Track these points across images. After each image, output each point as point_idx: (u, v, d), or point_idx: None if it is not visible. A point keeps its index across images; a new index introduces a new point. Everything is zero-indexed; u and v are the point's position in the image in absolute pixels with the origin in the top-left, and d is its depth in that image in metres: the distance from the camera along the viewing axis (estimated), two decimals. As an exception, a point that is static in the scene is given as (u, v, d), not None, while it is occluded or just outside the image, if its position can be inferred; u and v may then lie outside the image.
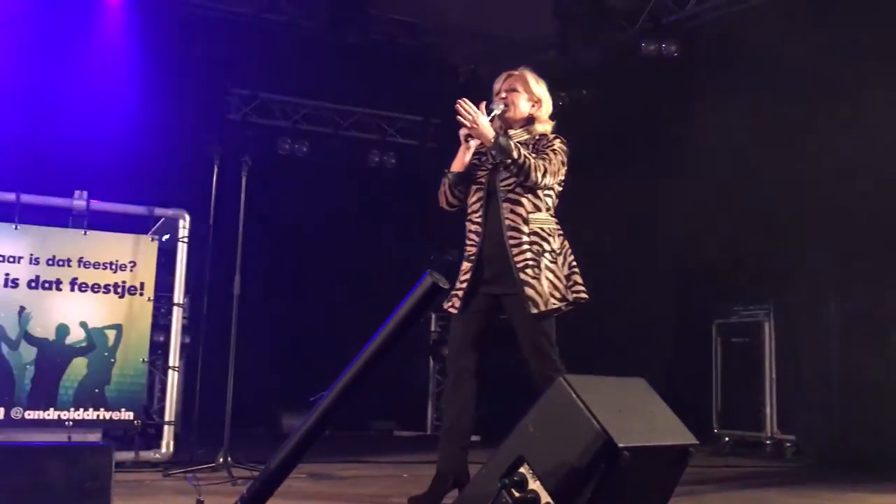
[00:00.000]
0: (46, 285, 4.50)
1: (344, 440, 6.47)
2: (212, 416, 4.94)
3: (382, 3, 7.23)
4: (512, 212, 3.45)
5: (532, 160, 3.40)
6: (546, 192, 3.50)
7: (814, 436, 5.74)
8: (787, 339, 6.04)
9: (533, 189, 3.45)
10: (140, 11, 6.67)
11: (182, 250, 4.87)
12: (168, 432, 4.74)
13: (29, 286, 4.46)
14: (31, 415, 4.37)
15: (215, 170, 4.87)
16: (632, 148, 7.15)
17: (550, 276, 3.43)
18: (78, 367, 4.51)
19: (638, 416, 2.46)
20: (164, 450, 4.71)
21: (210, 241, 4.93)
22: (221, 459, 4.35)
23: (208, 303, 5.29)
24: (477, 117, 3.41)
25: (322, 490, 4.07)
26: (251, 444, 5.20)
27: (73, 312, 4.53)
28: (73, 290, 4.54)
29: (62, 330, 4.50)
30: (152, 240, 4.78)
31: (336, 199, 8.16)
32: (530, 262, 3.40)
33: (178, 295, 4.87)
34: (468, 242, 3.57)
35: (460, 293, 3.53)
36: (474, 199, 3.57)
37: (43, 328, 4.47)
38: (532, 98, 3.64)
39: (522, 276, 3.39)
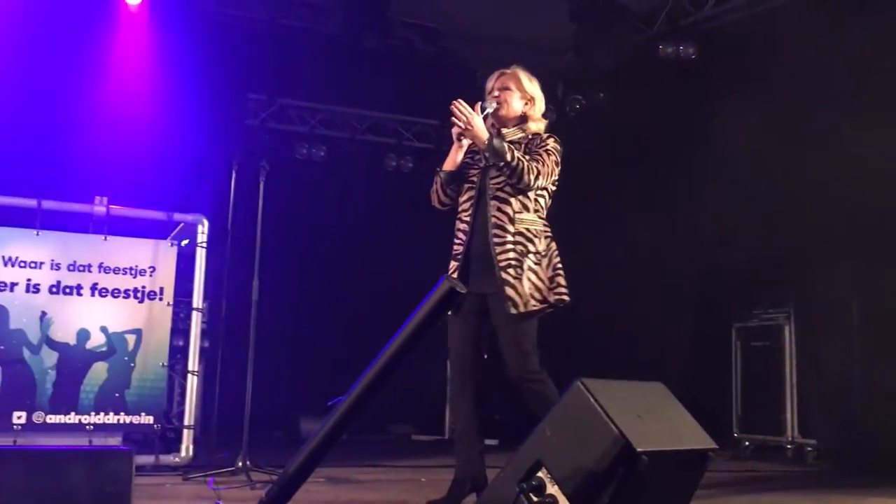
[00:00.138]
0: (67, 290, 4.54)
1: (362, 444, 6.49)
2: (231, 420, 4.97)
3: (400, 7, 7.25)
4: (499, 210, 3.44)
5: (525, 163, 3.38)
6: (538, 192, 3.49)
7: (835, 440, 5.69)
8: (807, 343, 5.99)
9: (521, 190, 3.43)
10: (158, 18, 6.72)
11: (201, 255, 4.90)
12: (187, 436, 4.77)
13: (50, 291, 4.51)
14: (52, 419, 4.41)
15: (233, 175, 4.90)
16: (649, 150, 7.12)
17: (533, 277, 3.41)
18: (98, 372, 4.55)
19: (656, 420, 2.45)
20: (183, 454, 4.73)
21: (228, 245, 4.96)
22: (240, 463, 4.37)
23: (227, 307, 5.32)
24: (471, 119, 3.40)
25: (340, 494, 4.08)
26: (270, 448, 5.22)
27: (93, 317, 4.57)
28: (93, 295, 4.58)
29: (83, 334, 4.54)
30: (171, 245, 4.81)
31: (353, 203, 8.18)
32: (513, 262, 3.39)
33: (197, 299, 4.90)
34: (456, 241, 3.57)
35: None
36: (465, 197, 3.56)
37: (64, 333, 4.51)
38: (525, 96, 3.62)
39: (504, 275, 3.38)
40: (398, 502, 3.95)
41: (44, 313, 4.48)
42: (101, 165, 6.28)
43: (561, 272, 3.49)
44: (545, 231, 3.52)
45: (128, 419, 4.57)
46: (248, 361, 4.61)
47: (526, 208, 3.46)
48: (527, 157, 3.41)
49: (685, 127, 6.86)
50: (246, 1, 7.01)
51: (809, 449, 5.83)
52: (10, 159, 6.15)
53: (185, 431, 4.77)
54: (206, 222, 4.93)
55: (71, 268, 4.56)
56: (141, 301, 4.68)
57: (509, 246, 3.41)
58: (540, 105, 3.66)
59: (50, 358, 4.46)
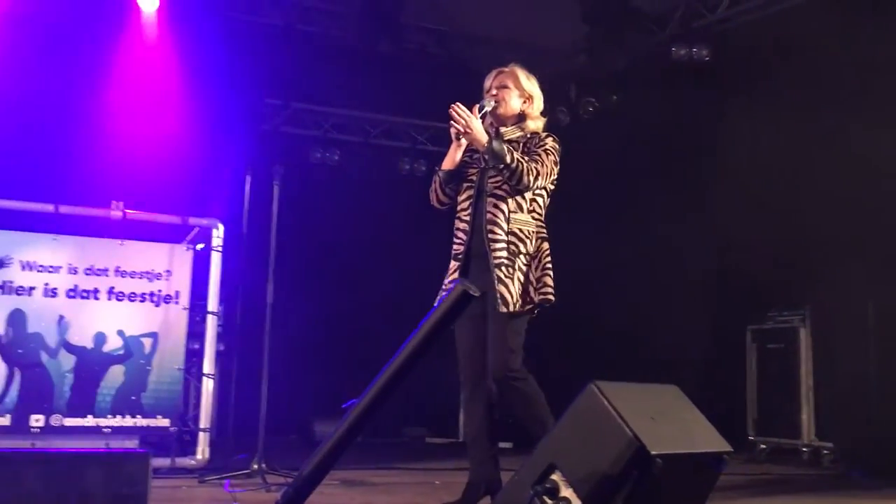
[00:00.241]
0: (84, 294, 4.59)
1: (376, 447, 6.50)
2: (246, 423, 5.00)
3: (413, 12, 7.27)
4: (495, 207, 3.44)
5: (525, 164, 3.37)
6: (535, 192, 3.48)
7: (852, 442, 5.65)
8: (823, 345, 5.95)
9: (518, 189, 3.42)
10: (174, 24, 6.77)
11: (216, 259, 4.93)
12: (203, 439, 4.80)
13: (67, 295, 4.55)
14: (69, 422, 4.46)
15: (248, 179, 4.93)
16: (663, 153, 7.10)
17: (522, 278, 3.41)
18: (115, 375, 4.59)
19: (671, 423, 2.45)
20: (199, 456, 4.76)
21: (243, 249, 4.98)
22: (256, 466, 4.39)
23: (242, 311, 5.35)
24: (470, 122, 3.39)
25: (354, 496, 4.09)
26: (284, 451, 5.24)
27: (110, 321, 4.62)
28: (110, 298, 4.63)
29: (100, 338, 4.59)
30: (187, 249, 4.85)
31: (367, 206, 8.20)
32: (505, 262, 3.39)
33: (213, 303, 4.93)
34: (456, 241, 3.56)
35: None
36: (464, 196, 3.56)
37: (81, 336, 4.55)
38: (523, 94, 3.61)
39: (498, 272, 3.38)
40: (412, 505, 3.95)
41: (61, 317, 4.52)
42: (117, 170, 6.34)
43: (549, 273, 3.48)
44: (538, 232, 3.51)
45: (144, 422, 4.60)
46: (262, 364, 4.63)
47: (520, 208, 3.46)
48: (526, 158, 3.40)
49: (699, 129, 6.84)
50: (260, 6, 7.05)
51: (826, 452, 5.80)
52: (29, 165, 6.22)
53: (201, 434, 4.80)
54: (220, 226, 4.96)
55: (88, 272, 4.60)
56: (157, 305, 4.72)
57: (502, 245, 3.41)
58: (538, 103, 3.65)
59: (67, 361, 4.51)
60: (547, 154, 3.47)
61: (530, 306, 3.42)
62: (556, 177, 3.54)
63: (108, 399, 4.55)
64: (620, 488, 2.22)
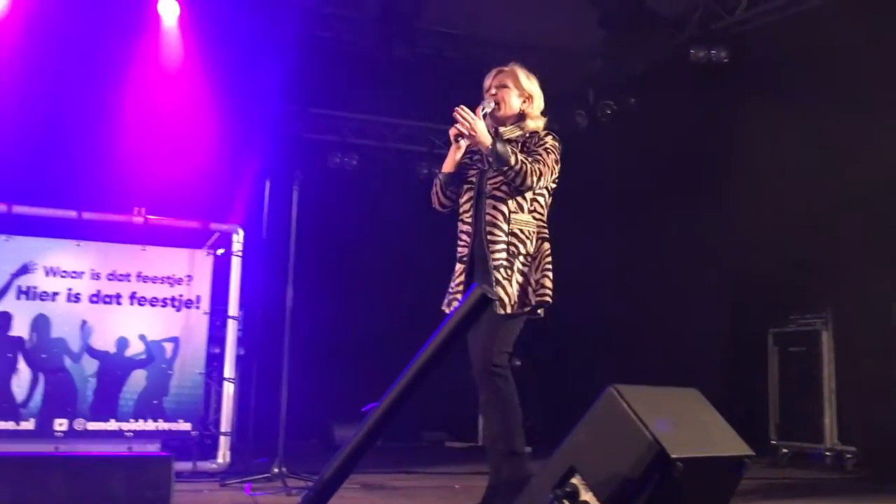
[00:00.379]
0: (107, 299, 4.63)
1: (396, 451, 6.51)
2: (266, 427, 5.02)
3: (429, 17, 7.29)
4: (494, 208, 3.42)
5: (528, 165, 3.35)
6: (536, 192, 3.45)
7: (875, 446, 5.59)
8: (845, 348, 5.89)
9: (519, 190, 3.40)
10: (193, 32, 6.83)
11: (236, 264, 4.96)
12: (224, 443, 4.83)
13: (90, 300, 4.60)
14: (92, 426, 4.50)
15: (267, 185, 4.96)
16: (682, 155, 7.07)
17: (521, 279, 3.38)
18: (137, 379, 4.63)
19: (691, 426, 2.44)
20: (220, 460, 4.79)
21: (263, 254, 5.01)
22: (276, 469, 4.41)
23: (262, 315, 5.38)
24: (475, 124, 3.38)
25: (374, 500, 4.10)
26: (304, 455, 5.26)
27: (132, 325, 4.66)
28: (132, 303, 4.67)
29: (122, 343, 4.63)
30: (207, 254, 4.89)
31: (386, 210, 8.22)
32: (504, 263, 3.37)
33: (233, 308, 4.96)
34: (460, 243, 3.55)
35: (459, 296, 3.51)
36: (465, 199, 3.55)
37: (104, 341, 4.60)
38: (523, 94, 3.58)
39: (496, 274, 3.36)
40: (432, 509, 3.96)
41: (84, 322, 4.57)
42: (139, 177, 6.40)
43: (549, 274, 3.44)
44: (539, 232, 3.48)
45: (166, 426, 4.64)
46: (282, 368, 4.66)
47: (521, 208, 3.43)
48: (529, 159, 3.38)
49: (718, 131, 6.80)
50: (278, 13, 7.10)
51: (849, 456, 5.74)
52: (52, 172, 6.30)
53: (222, 438, 4.83)
54: (240, 231, 4.99)
55: (110, 277, 4.65)
56: (178, 309, 4.76)
57: (501, 246, 3.39)
58: (538, 102, 3.62)
59: (90, 366, 4.55)
60: (547, 153, 3.45)
61: (528, 308, 3.39)
62: (557, 176, 3.51)
63: (131, 403, 4.59)
64: (641, 492, 2.22)
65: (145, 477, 2.97)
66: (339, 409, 7.03)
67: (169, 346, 4.72)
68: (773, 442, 6.19)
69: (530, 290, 3.39)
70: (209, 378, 5.00)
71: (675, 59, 6.82)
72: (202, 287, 4.81)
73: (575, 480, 2.30)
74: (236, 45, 6.95)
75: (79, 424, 4.47)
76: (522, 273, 3.39)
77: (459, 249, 3.55)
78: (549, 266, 3.46)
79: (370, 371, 7.05)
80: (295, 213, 4.75)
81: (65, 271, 4.57)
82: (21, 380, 4.42)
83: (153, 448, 4.56)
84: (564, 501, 2.28)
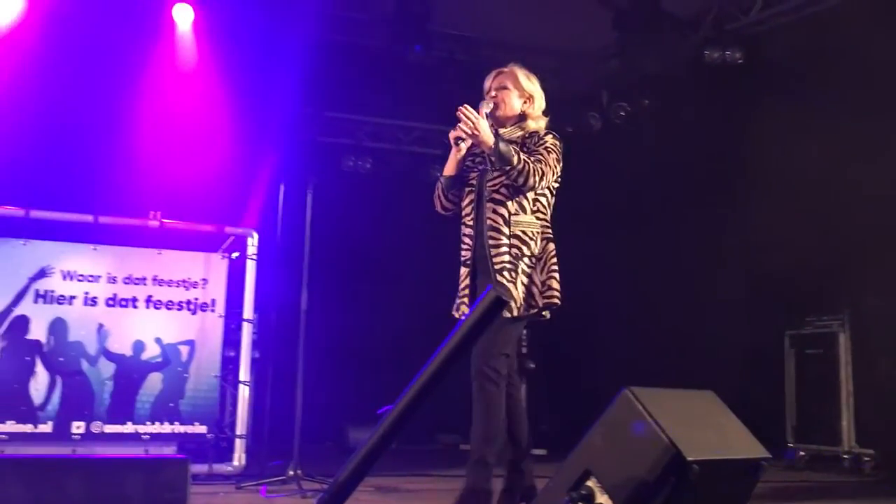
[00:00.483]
0: (123, 303, 4.66)
1: (410, 454, 6.51)
2: (281, 430, 5.04)
3: (442, 20, 7.30)
4: (494, 212, 3.40)
5: (531, 165, 3.33)
6: (538, 192, 3.42)
7: (894, 449, 5.54)
8: (863, 350, 5.85)
9: (521, 190, 3.38)
10: (207, 35, 6.88)
11: (251, 267, 4.99)
12: (240, 446, 4.85)
13: (107, 304, 4.63)
14: (109, 429, 4.53)
15: (281, 188, 4.98)
16: (697, 156, 7.04)
17: (526, 281, 3.36)
18: (153, 382, 4.65)
19: (707, 428, 2.43)
20: (236, 462, 4.81)
21: (278, 258, 5.03)
22: (291, 472, 4.42)
23: (276, 318, 5.40)
24: (478, 123, 3.36)
25: (389, 503, 4.11)
26: (319, 457, 5.27)
27: (148, 329, 4.69)
28: (148, 307, 4.70)
29: (138, 346, 4.66)
30: (222, 257, 4.91)
31: (400, 213, 8.23)
32: (507, 266, 3.34)
33: (248, 311, 4.99)
34: (463, 246, 3.54)
35: (466, 300, 3.50)
36: (467, 201, 3.54)
37: (120, 344, 4.63)
38: (523, 94, 3.56)
39: (499, 277, 3.33)
40: (447, 511, 3.95)
41: (101, 325, 4.60)
42: (154, 181, 6.45)
43: (555, 275, 3.41)
44: (543, 232, 3.45)
45: (182, 429, 4.66)
46: (297, 371, 4.67)
47: (523, 209, 3.41)
48: (531, 158, 3.35)
49: (734, 132, 6.77)
50: (292, 17, 7.13)
51: (867, 458, 5.69)
52: (69, 177, 6.35)
53: (238, 441, 4.85)
54: (255, 235, 5.02)
55: (126, 281, 4.68)
56: (194, 313, 4.78)
57: (504, 249, 3.36)
58: (540, 102, 3.60)
59: (107, 369, 4.58)
60: (549, 152, 3.42)
61: (534, 311, 3.37)
62: (559, 175, 3.48)
63: (147, 406, 4.62)
64: (657, 495, 2.21)
65: (162, 479, 2.99)
66: (354, 411, 7.04)
67: (185, 350, 4.75)
68: (789, 444, 6.15)
69: (536, 291, 3.37)
70: (224, 381, 5.02)
71: (690, 60, 6.80)
72: (217, 290, 4.84)
73: (590, 483, 2.30)
74: (250, 49, 6.99)
75: (96, 427, 4.50)
76: (527, 274, 3.37)
77: (462, 253, 3.54)
78: (556, 267, 3.43)
79: (385, 374, 7.07)
80: (309, 216, 4.77)
81: (82, 275, 4.60)
82: (39, 383, 4.45)
83: (169, 451, 4.58)
84: (580, 504, 2.28)
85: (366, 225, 8.14)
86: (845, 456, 5.81)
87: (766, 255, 6.40)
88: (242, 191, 6.82)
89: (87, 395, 4.52)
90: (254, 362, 5.20)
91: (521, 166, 3.31)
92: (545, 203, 3.48)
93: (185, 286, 4.78)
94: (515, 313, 3.33)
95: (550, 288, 3.38)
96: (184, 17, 6.69)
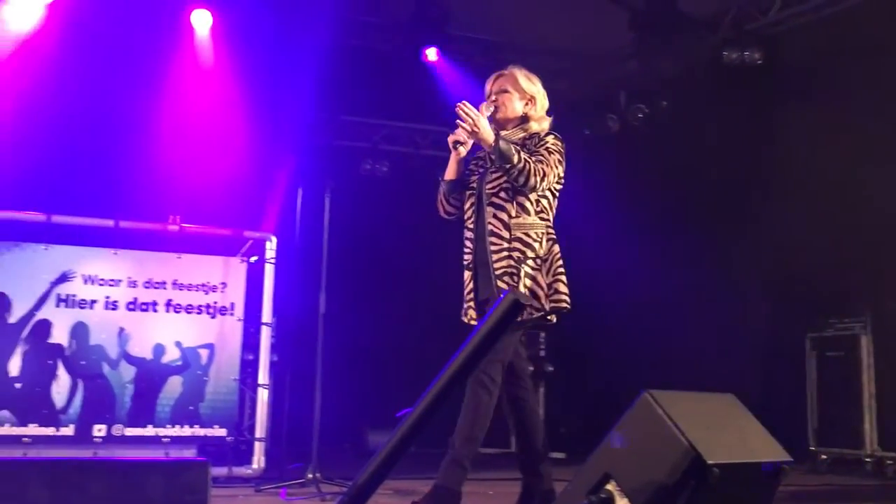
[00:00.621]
0: (143, 307, 4.70)
1: (429, 457, 6.50)
2: (299, 433, 5.05)
3: (459, 22, 7.30)
4: (495, 216, 3.37)
5: (532, 164, 3.28)
6: (539, 193, 3.37)
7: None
8: (885, 352, 5.78)
9: (521, 192, 3.33)
10: (225, 41, 6.92)
11: (269, 271, 5.01)
12: (259, 448, 4.87)
13: (127, 308, 4.67)
14: (130, 431, 4.56)
15: (299, 192, 5.00)
16: (717, 158, 7.00)
17: (530, 283, 3.29)
18: (174, 385, 4.69)
19: (727, 432, 2.41)
20: (255, 465, 4.83)
21: (296, 261, 5.05)
22: (310, 475, 4.43)
23: (295, 322, 5.42)
24: (478, 120, 3.34)
25: (408, 506, 4.10)
26: (337, 461, 5.28)
27: (168, 332, 4.72)
28: (168, 311, 4.74)
29: (158, 349, 4.69)
30: (241, 261, 4.94)
31: (417, 216, 8.22)
32: (509, 270, 3.29)
33: (267, 314, 5.01)
34: (465, 250, 3.51)
35: (472, 304, 3.47)
36: (468, 205, 3.52)
37: (141, 348, 4.66)
38: (524, 96, 3.54)
39: (500, 283, 3.29)
40: (466, 515, 3.94)
41: (122, 329, 4.64)
42: (174, 185, 6.49)
43: (562, 278, 3.35)
44: (547, 233, 3.39)
45: (202, 431, 4.69)
46: (316, 374, 4.68)
47: (525, 211, 3.35)
48: (532, 158, 3.31)
49: (753, 133, 6.73)
50: (309, 22, 7.16)
51: (890, 462, 5.63)
52: (89, 182, 6.41)
53: (257, 444, 4.87)
54: (273, 239, 5.04)
55: (147, 285, 4.72)
56: (213, 316, 4.81)
57: (505, 253, 3.32)
58: (542, 103, 3.56)
59: (128, 372, 4.62)
60: (550, 153, 3.37)
61: (540, 313, 3.31)
62: (562, 176, 3.43)
63: (168, 409, 4.65)
64: (676, 499, 2.19)
65: (183, 481, 3.01)
66: (372, 414, 7.05)
67: (204, 353, 4.78)
68: (811, 448, 6.10)
69: (542, 293, 3.30)
70: (243, 384, 5.04)
71: (709, 61, 6.76)
72: (236, 294, 4.87)
73: (610, 487, 2.29)
74: (268, 54, 7.03)
75: (117, 430, 4.54)
76: (531, 277, 3.30)
77: (465, 257, 3.52)
78: (562, 269, 3.37)
79: (403, 377, 7.08)
80: (327, 220, 4.78)
81: (102, 279, 4.65)
82: (61, 386, 4.49)
83: (189, 453, 4.61)
84: (599, 508, 2.27)
85: (383, 228, 8.16)
86: (868, 459, 5.75)
87: (787, 257, 6.35)
88: (260, 195, 6.86)
89: (108, 398, 4.55)
90: (272, 366, 5.23)
91: (521, 165, 3.26)
92: (547, 205, 3.42)
93: (204, 290, 4.81)
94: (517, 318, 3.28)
95: (557, 291, 3.33)
96: (202, 23, 6.74)
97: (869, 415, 5.76)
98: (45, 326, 4.52)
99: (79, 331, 4.57)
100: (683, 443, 2.20)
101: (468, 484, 5.11)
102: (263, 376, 4.98)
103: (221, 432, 4.73)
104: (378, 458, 2.33)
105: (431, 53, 7.21)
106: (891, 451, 5.65)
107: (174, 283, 4.76)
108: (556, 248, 3.40)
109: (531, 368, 7.66)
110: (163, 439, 4.60)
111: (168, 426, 4.63)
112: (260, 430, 4.91)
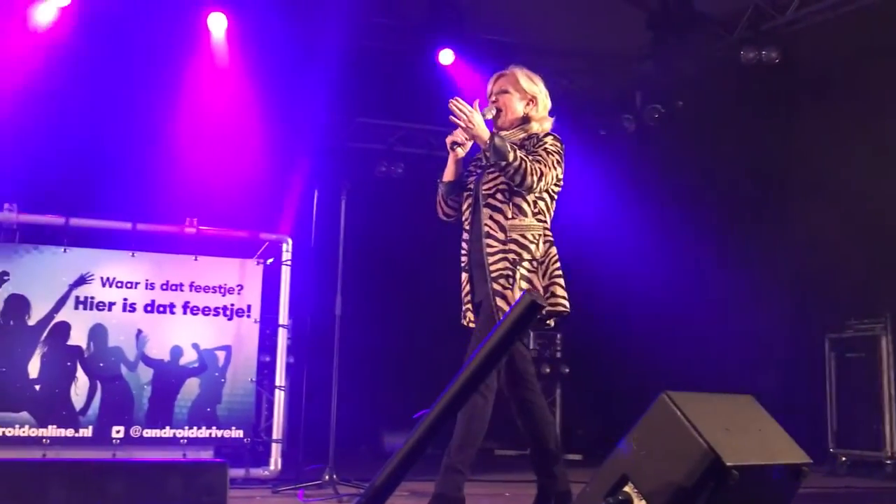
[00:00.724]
0: (161, 309, 4.72)
1: (445, 458, 6.49)
2: (316, 434, 5.06)
3: (474, 24, 7.30)
4: (490, 218, 3.33)
5: (528, 163, 3.23)
6: (537, 194, 3.32)
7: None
8: (905, 354, 5.73)
9: (519, 193, 3.29)
10: (240, 44, 6.95)
11: (286, 273, 5.02)
12: (276, 450, 4.88)
13: (145, 310, 4.70)
14: (148, 433, 4.59)
15: (315, 195, 5.01)
16: (734, 158, 6.96)
17: (525, 285, 3.24)
18: (191, 387, 4.70)
19: (746, 433, 2.39)
20: (272, 467, 4.84)
21: (312, 263, 5.07)
22: (327, 477, 4.44)
23: (311, 323, 5.43)
24: (471, 116, 3.29)
25: (425, 508, 4.09)
26: (353, 462, 5.29)
27: (185, 334, 4.74)
28: (185, 313, 4.75)
29: (176, 351, 4.72)
30: (257, 263, 4.96)
31: (432, 218, 8.22)
32: (504, 272, 3.25)
33: (283, 316, 5.02)
34: (462, 252, 3.48)
35: (470, 306, 3.45)
36: (465, 205, 3.50)
37: (158, 350, 4.69)
38: (525, 97, 3.50)
39: (495, 285, 3.25)
40: (483, 517, 3.94)
41: (140, 331, 4.67)
42: (191, 188, 6.53)
43: (558, 280, 3.29)
44: (544, 235, 3.34)
45: (219, 433, 4.71)
46: (332, 376, 4.69)
47: (522, 212, 3.31)
48: (529, 158, 3.26)
49: (771, 133, 6.69)
50: (323, 24, 7.18)
51: (911, 464, 5.58)
52: (107, 185, 6.46)
53: (274, 445, 4.88)
54: (289, 241, 5.05)
55: (164, 287, 4.74)
56: (230, 318, 4.83)
57: (500, 255, 3.27)
58: (544, 103, 3.52)
59: (146, 374, 4.64)
60: (548, 153, 3.32)
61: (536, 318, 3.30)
62: (560, 178, 3.38)
63: (185, 411, 4.67)
64: (695, 500, 2.18)
65: (201, 483, 3.02)
66: (389, 416, 7.05)
67: (221, 355, 4.79)
68: (831, 450, 6.05)
69: (538, 296, 3.27)
70: (260, 386, 5.05)
71: (726, 60, 6.73)
72: (253, 296, 4.88)
73: (628, 489, 2.27)
74: (283, 57, 7.05)
75: (135, 431, 4.56)
76: (527, 279, 3.25)
77: (462, 258, 3.49)
78: (559, 272, 3.32)
79: (418, 378, 7.07)
80: (343, 221, 4.79)
81: (120, 282, 4.67)
82: (79, 388, 4.52)
83: (206, 455, 4.63)
84: (617, 510, 2.25)
85: (398, 230, 8.16)
86: (888, 461, 5.70)
87: (806, 258, 6.30)
88: (276, 197, 6.88)
89: (126, 400, 4.58)
90: (289, 367, 5.24)
91: (517, 163, 3.22)
92: (545, 206, 3.37)
93: (221, 292, 4.83)
94: None
95: (554, 295, 3.28)
96: (218, 26, 6.77)
97: (889, 416, 5.71)
98: (63, 328, 4.55)
99: (97, 333, 4.60)
100: (702, 444, 2.19)
101: (485, 486, 5.11)
102: (280, 378, 4.99)
103: (238, 434, 4.74)
104: (395, 459, 2.33)
105: (446, 55, 7.21)
106: (912, 453, 5.60)
107: (191, 286, 4.78)
108: (554, 250, 3.36)
109: (547, 370, 7.68)
110: (180, 441, 4.62)
111: (185, 428, 4.65)
112: (277, 431, 4.93)
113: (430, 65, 7.30)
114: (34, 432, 4.38)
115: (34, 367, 4.46)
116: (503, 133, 3.46)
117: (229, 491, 3.20)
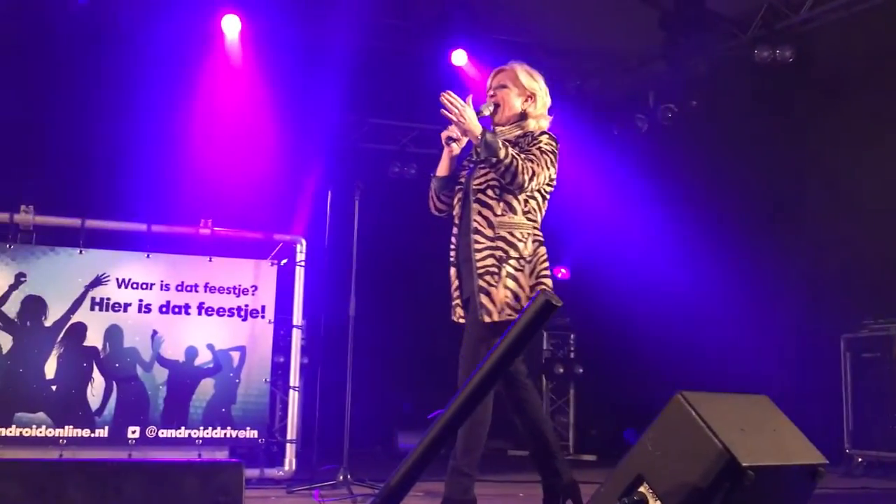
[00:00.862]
0: (176, 310, 4.75)
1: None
2: (330, 435, 5.08)
3: (487, 24, 7.30)
4: (479, 214, 3.29)
5: (520, 161, 3.19)
6: (529, 193, 3.28)
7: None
8: (922, 354, 5.69)
9: (510, 190, 3.25)
10: (254, 46, 6.99)
11: (300, 274, 5.04)
12: (290, 450, 4.90)
13: (160, 311, 4.72)
14: (164, 433, 4.61)
15: (329, 196, 5.03)
16: (748, 157, 6.93)
17: (511, 283, 3.21)
18: (206, 388, 4.73)
19: (762, 434, 2.38)
20: (286, 467, 4.86)
21: (326, 264, 5.09)
22: (341, 477, 4.46)
23: (325, 324, 5.45)
24: (463, 111, 3.26)
25: (439, 508, 4.10)
26: (368, 462, 5.30)
27: (200, 335, 4.77)
28: (200, 313, 4.78)
29: (191, 352, 4.74)
30: (272, 264, 4.98)
31: (445, 218, 8.24)
32: (490, 269, 3.22)
33: (297, 317, 5.04)
34: (451, 247, 3.46)
35: (459, 302, 3.42)
36: (456, 200, 3.48)
37: (174, 350, 4.71)
38: (524, 93, 3.45)
39: (480, 282, 3.22)
40: (497, 517, 3.94)
41: (155, 332, 4.70)
42: (205, 190, 6.57)
43: (545, 281, 3.25)
44: (533, 234, 3.30)
45: (234, 433, 4.73)
46: (346, 376, 4.70)
47: (512, 210, 3.27)
48: (521, 156, 3.22)
49: (785, 132, 6.65)
50: (336, 25, 7.21)
51: (928, 465, 5.53)
52: (122, 187, 6.50)
53: (288, 445, 4.90)
54: (303, 242, 5.07)
55: (179, 288, 4.77)
56: (244, 319, 4.85)
57: (487, 252, 3.25)
58: (543, 100, 3.48)
59: (161, 375, 4.67)
60: (542, 152, 3.27)
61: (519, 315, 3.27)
62: (553, 178, 3.34)
63: (200, 411, 4.69)
64: (710, 501, 2.17)
65: (217, 483, 3.03)
66: (403, 416, 7.07)
67: (236, 355, 4.82)
68: (847, 451, 6.01)
69: (524, 296, 3.21)
70: (275, 386, 5.07)
71: (739, 60, 6.70)
72: (267, 297, 4.90)
73: (643, 489, 2.27)
74: (296, 58, 7.08)
75: (150, 432, 4.59)
76: (514, 277, 3.22)
77: (451, 253, 3.47)
78: (546, 273, 3.28)
79: (432, 379, 7.07)
80: (356, 222, 4.81)
81: (136, 283, 4.70)
82: (95, 388, 4.56)
83: (221, 455, 4.65)
84: (632, 510, 2.25)
85: (412, 230, 8.16)
86: (905, 462, 5.66)
87: (821, 258, 6.27)
88: (290, 198, 6.91)
89: (142, 400, 4.61)
90: (303, 368, 5.26)
91: (507, 161, 3.18)
92: (536, 205, 3.34)
93: (235, 293, 4.85)
94: (496, 318, 3.18)
95: None
96: (232, 28, 6.80)
97: (906, 417, 5.67)
98: (80, 329, 4.58)
99: (113, 333, 4.63)
100: (717, 445, 2.18)
101: (499, 486, 5.11)
102: (294, 378, 5.01)
103: (253, 434, 4.76)
104: (410, 459, 2.33)
105: (459, 55, 7.22)
106: (929, 453, 5.56)
107: (206, 286, 4.80)
108: (543, 249, 3.32)
109: (560, 370, 7.64)
110: (195, 441, 4.64)
111: (200, 428, 4.67)
112: (291, 431, 4.95)
113: (444, 65, 7.31)
114: (51, 432, 4.41)
115: (51, 368, 4.50)
116: (499, 129, 3.43)
117: (245, 491, 3.21)
